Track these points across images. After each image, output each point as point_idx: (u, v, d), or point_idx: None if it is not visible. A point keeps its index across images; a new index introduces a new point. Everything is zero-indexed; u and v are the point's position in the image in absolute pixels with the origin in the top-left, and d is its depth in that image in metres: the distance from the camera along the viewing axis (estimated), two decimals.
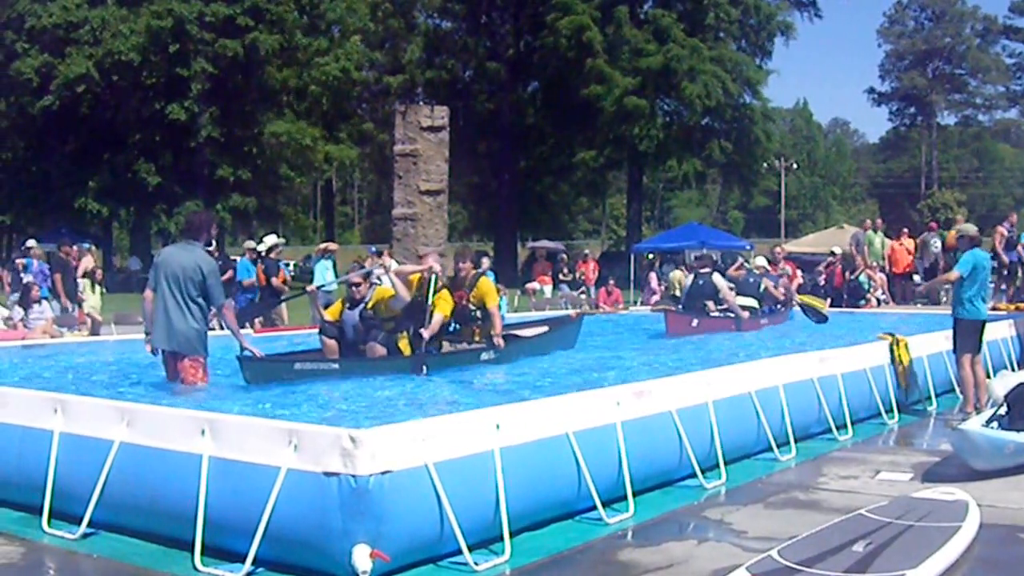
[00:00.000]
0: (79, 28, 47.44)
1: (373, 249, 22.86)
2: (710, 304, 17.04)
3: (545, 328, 14.51)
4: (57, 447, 7.37)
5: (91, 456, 7.11)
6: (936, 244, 26.65)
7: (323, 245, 23.62)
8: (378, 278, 11.95)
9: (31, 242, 22.29)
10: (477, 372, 11.34)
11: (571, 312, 19.41)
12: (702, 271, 17.53)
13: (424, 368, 10.92)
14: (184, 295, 9.60)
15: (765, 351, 12.91)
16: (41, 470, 7.34)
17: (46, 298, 19.22)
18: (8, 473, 7.80)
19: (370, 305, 11.52)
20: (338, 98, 56.61)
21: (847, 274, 24.74)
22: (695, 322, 16.46)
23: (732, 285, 17.64)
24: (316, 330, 12.42)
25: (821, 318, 18.17)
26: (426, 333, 11.20)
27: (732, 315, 16.92)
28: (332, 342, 11.51)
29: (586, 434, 7.42)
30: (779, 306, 18.97)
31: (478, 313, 12.05)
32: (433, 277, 11.55)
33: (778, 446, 9.66)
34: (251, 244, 20.98)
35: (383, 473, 5.96)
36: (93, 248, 25.13)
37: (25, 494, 7.62)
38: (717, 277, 17.35)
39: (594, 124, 53.72)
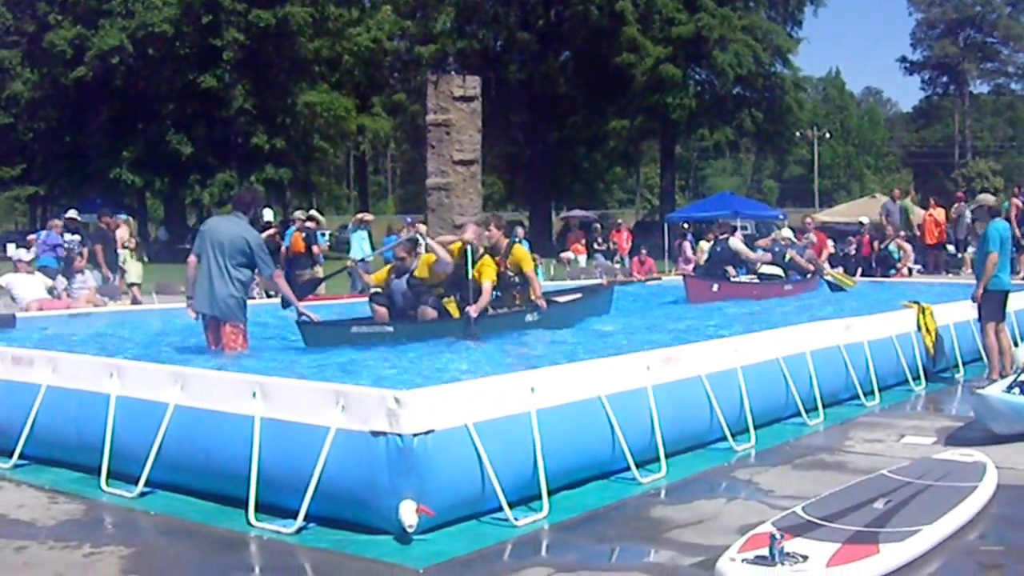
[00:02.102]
0: (111, 0, 47.72)
1: (409, 219, 23.12)
2: (731, 269, 17.23)
3: (580, 295, 14.79)
4: (114, 410, 7.66)
5: (147, 418, 7.40)
6: (969, 215, 26.61)
7: (359, 215, 23.93)
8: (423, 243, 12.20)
9: (72, 212, 22.58)
10: (522, 334, 11.66)
11: (603, 280, 19.61)
12: (721, 237, 17.72)
13: (476, 335, 11.12)
14: (227, 263, 9.98)
15: (784, 319, 13.14)
16: (99, 432, 7.62)
17: (48, 265, 19.42)
18: (67, 436, 8.07)
19: (417, 272, 11.79)
20: (370, 68, 56.67)
21: (875, 244, 24.83)
22: (716, 287, 16.60)
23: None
24: (352, 299, 12.65)
25: (838, 289, 18.47)
26: (473, 311, 11.27)
27: (755, 280, 17.09)
28: (383, 309, 11.80)
29: (618, 397, 7.67)
30: (807, 275, 19.14)
31: (516, 279, 12.27)
32: (469, 249, 11.80)
33: (806, 411, 9.87)
34: (300, 214, 21.62)
35: (426, 432, 6.25)
36: (130, 219, 25.44)
37: (84, 455, 7.90)
38: (734, 241, 17.55)
39: (626, 93, 53.61)
